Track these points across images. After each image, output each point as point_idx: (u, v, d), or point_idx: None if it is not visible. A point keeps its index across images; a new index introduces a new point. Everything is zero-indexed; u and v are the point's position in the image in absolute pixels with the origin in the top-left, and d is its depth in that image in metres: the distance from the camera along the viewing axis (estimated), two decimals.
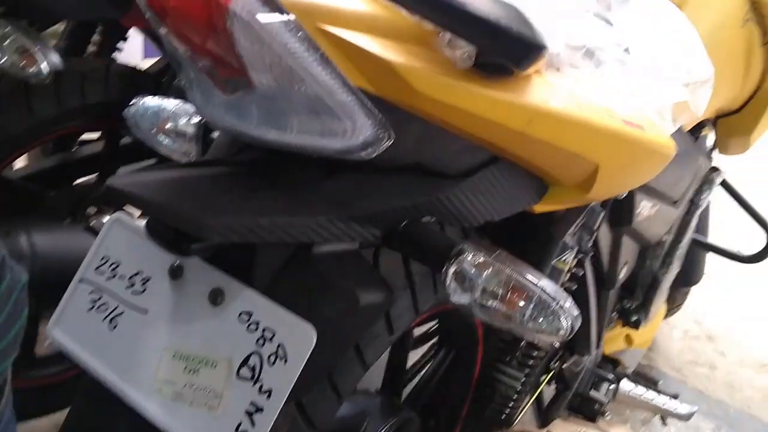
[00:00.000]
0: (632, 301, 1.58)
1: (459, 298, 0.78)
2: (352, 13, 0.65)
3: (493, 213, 0.86)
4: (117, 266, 0.80)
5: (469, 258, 0.77)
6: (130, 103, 0.98)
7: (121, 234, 0.81)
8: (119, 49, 1.65)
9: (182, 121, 0.94)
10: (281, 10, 0.60)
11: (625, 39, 0.83)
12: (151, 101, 0.97)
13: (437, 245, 0.79)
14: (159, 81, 1.58)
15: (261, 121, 0.69)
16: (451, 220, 0.83)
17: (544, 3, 0.76)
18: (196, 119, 0.94)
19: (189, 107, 0.97)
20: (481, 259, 0.77)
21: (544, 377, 1.29)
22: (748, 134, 1.67)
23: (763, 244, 1.84)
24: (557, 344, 1.25)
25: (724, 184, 1.80)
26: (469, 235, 0.91)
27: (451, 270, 0.78)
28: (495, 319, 0.76)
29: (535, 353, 1.20)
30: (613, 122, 0.84)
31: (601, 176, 0.88)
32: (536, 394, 1.32)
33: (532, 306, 0.74)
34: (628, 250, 1.43)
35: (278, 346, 0.71)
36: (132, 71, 1.51)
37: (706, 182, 1.58)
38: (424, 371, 1.31)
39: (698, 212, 1.59)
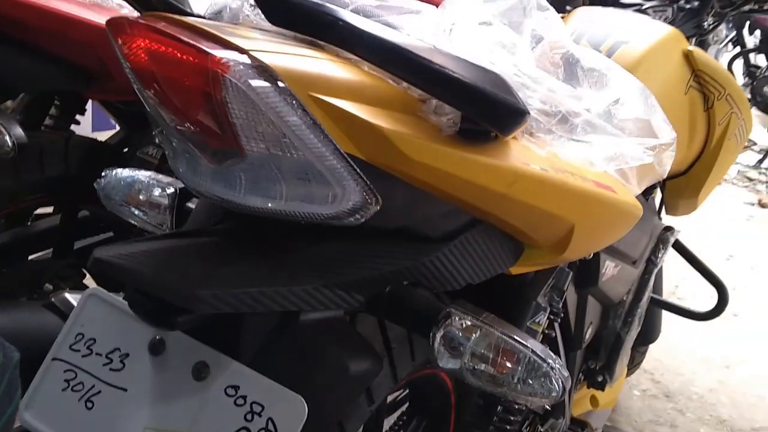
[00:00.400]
0: (596, 361, 1.59)
1: (447, 363, 0.78)
2: (342, 82, 0.66)
3: (473, 276, 0.87)
4: (93, 343, 0.77)
5: (456, 321, 0.77)
6: (102, 175, 0.96)
7: (97, 309, 0.79)
8: (77, 122, 1.63)
9: (156, 192, 0.93)
10: (275, 79, 0.61)
11: (595, 104, 0.86)
12: (123, 173, 0.95)
13: (423, 310, 0.79)
14: (118, 153, 1.56)
15: (249, 189, 0.69)
16: (434, 283, 0.83)
17: (517, 70, 0.79)
18: (170, 190, 0.93)
19: (162, 178, 0.96)
20: (469, 323, 0.77)
21: None
22: (695, 196, 1.73)
23: (716, 302, 1.89)
24: (542, 408, 1.24)
25: (676, 244, 1.86)
26: (444, 300, 0.91)
27: (439, 334, 0.77)
28: (486, 383, 0.75)
29: (512, 418, 1.19)
30: (586, 184, 0.86)
31: (576, 236, 0.90)
32: None
33: (523, 368, 0.74)
34: (593, 310, 1.45)
35: (268, 420, 0.69)
36: (91, 143, 1.49)
37: (661, 241, 1.63)
38: None
39: (656, 271, 1.63)
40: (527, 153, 0.80)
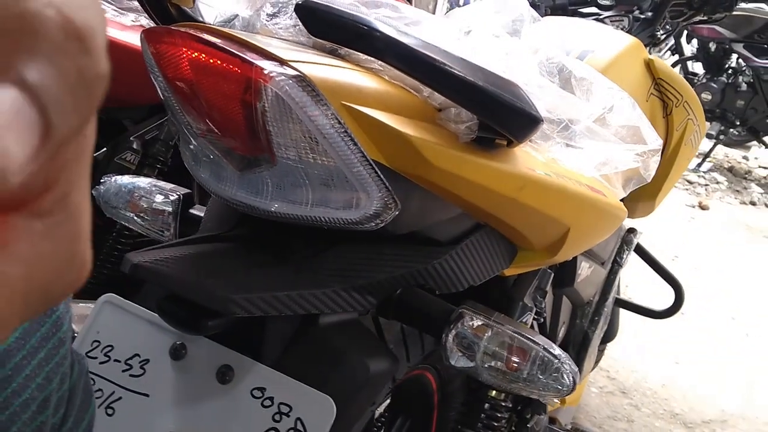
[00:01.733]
0: None
1: (460, 362, 0.80)
2: (370, 91, 0.68)
3: (476, 277, 0.90)
4: (111, 350, 0.77)
5: (468, 321, 0.80)
6: (100, 181, 0.96)
7: (113, 316, 0.78)
8: None
9: (158, 198, 0.93)
10: (314, 89, 0.63)
11: (591, 112, 0.91)
12: (122, 179, 0.95)
13: (435, 311, 0.82)
14: (95, 159, 1.54)
15: (275, 195, 0.70)
16: (440, 285, 0.86)
17: (527, 79, 0.82)
18: (173, 197, 0.93)
19: (163, 185, 0.96)
20: (480, 322, 0.80)
21: None
22: (653, 198, 1.81)
23: (672, 301, 1.98)
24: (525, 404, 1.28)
25: (636, 245, 1.93)
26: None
27: (452, 334, 0.80)
28: (500, 380, 0.78)
29: (499, 415, 1.22)
30: (582, 188, 0.91)
31: (570, 238, 0.94)
32: None
33: (535, 365, 0.77)
34: (565, 310, 1.50)
35: (297, 420, 0.71)
36: None
37: (625, 243, 1.70)
38: None
39: (620, 271, 1.70)
40: (531, 159, 0.84)
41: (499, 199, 0.79)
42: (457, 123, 0.73)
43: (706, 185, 4.87)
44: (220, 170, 0.72)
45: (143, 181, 0.95)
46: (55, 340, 0.47)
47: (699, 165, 5.07)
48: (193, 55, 0.62)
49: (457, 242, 0.86)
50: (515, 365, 0.77)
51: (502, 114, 0.70)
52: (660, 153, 1.01)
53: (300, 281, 0.73)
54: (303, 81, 0.62)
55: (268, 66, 0.61)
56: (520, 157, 0.81)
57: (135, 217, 0.94)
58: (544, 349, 0.77)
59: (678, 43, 4.99)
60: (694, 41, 5.06)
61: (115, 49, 1.30)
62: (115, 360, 0.77)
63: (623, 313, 2.14)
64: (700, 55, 4.99)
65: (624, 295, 3.00)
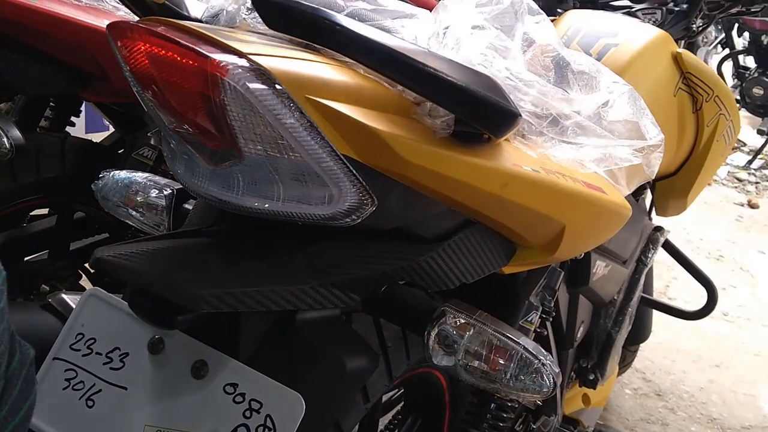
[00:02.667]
0: (588, 360, 1.61)
1: (441, 360, 0.79)
2: (339, 85, 0.68)
3: (466, 275, 0.88)
4: (93, 342, 0.78)
5: (450, 320, 0.78)
6: (99, 176, 0.97)
7: (97, 309, 0.80)
8: (72, 123, 1.64)
9: (153, 193, 0.94)
10: (273, 82, 0.62)
11: (585, 107, 0.88)
12: (120, 174, 0.97)
13: (418, 309, 0.81)
14: (113, 154, 1.57)
15: (246, 190, 0.70)
16: (428, 283, 0.84)
17: (509, 73, 0.80)
18: (167, 191, 0.94)
19: (159, 179, 0.97)
20: (463, 321, 0.78)
21: None
22: (685, 196, 1.75)
23: (705, 301, 1.91)
24: (534, 404, 1.26)
25: (666, 244, 1.88)
26: (437, 299, 0.93)
27: (434, 332, 0.79)
28: (479, 379, 0.77)
29: (505, 415, 1.20)
30: (577, 185, 0.88)
31: (566, 236, 0.92)
32: None
33: (515, 365, 0.75)
34: (584, 309, 1.47)
35: (266, 417, 0.70)
36: (87, 145, 1.50)
37: (651, 241, 1.65)
38: None
39: (645, 270, 1.65)
40: (519, 155, 0.82)
41: (482, 195, 0.77)
42: (433, 118, 0.72)
43: (757, 183, 4.70)
44: (194, 165, 0.72)
45: (140, 176, 0.97)
46: None
47: (749, 162, 4.89)
48: (151, 49, 0.62)
49: (445, 239, 0.84)
50: (495, 365, 0.76)
51: (476, 109, 0.69)
52: (662, 148, 0.97)
53: (275, 277, 0.73)
54: (263, 74, 0.62)
55: (224, 58, 0.60)
56: (505, 153, 0.79)
57: (131, 212, 0.96)
58: (525, 349, 0.75)
59: (729, 37, 4.83)
60: (746, 34, 4.88)
61: None
62: (97, 353, 0.78)
63: (663, 315, 2.08)
64: (752, 49, 4.80)
65: (664, 297, 2.94)
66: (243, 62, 0.61)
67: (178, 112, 0.66)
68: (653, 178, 1.01)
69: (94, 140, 1.69)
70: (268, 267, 0.74)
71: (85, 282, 1.71)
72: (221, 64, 0.60)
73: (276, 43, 0.71)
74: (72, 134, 1.63)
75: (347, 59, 0.71)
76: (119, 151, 1.62)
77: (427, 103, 0.72)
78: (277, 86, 0.62)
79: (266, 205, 0.70)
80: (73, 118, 1.67)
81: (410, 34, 0.76)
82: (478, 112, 0.69)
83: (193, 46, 0.60)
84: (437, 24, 0.79)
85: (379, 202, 0.72)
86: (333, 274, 0.76)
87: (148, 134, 1.45)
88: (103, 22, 1.28)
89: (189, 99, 0.63)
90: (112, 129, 1.73)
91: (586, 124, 0.86)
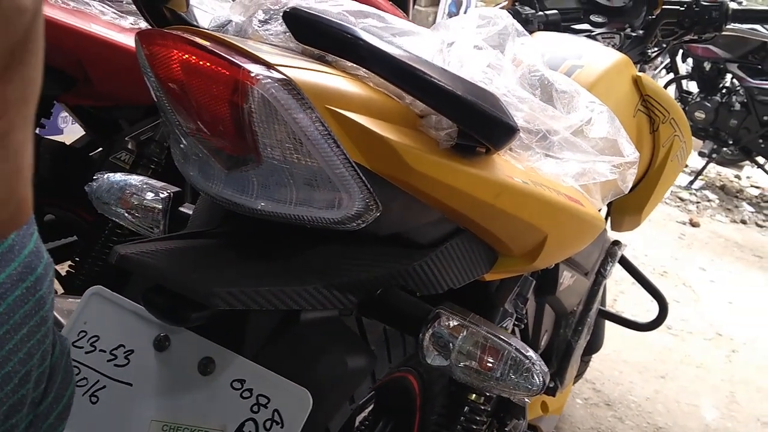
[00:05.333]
0: (549, 368, 1.67)
1: (435, 360, 0.83)
2: (354, 96, 0.72)
3: (455, 280, 0.93)
4: (97, 340, 0.79)
5: (444, 321, 0.83)
6: (93, 178, 0.99)
7: (100, 307, 0.81)
8: (42, 126, 1.62)
9: (149, 196, 0.96)
10: (299, 92, 0.66)
11: (570, 124, 0.94)
12: (115, 177, 0.98)
13: (414, 311, 0.85)
14: (86, 157, 1.57)
15: (260, 193, 0.73)
16: (420, 287, 0.88)
17: (506, 90, 0.86)
18: (164, 195, 0.96)
19: (154, 183, 0.99)
20: (456, 323, 0.83)
21: None
22: (640, 212, 1.83)
23: (657, 313, 2.00)
24: (504, 409, 1.31)
25: (621, 258, 1.96)
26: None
27: (428, 333, 0.83)
28: (473, 378, 0.81)
29: (477, 418, 1.25)
30: (560, 197, 0.94)
31: (547, 246, 0.97)
32: None
33: (506, 364, 0.80)
34: (548, 318, 1.53)
35: (274, 411, 0.73)
36: (61, 147, 1.49)
37: (609, 255, 1.73)
38: None
39: (604, 283, 1.72)
40: (510, 167, 0.87)
41: (477, 204, 0.82)
42: (438, 130, 0.76)
43: (698, 203, 4.91)
44: (208, 168, 0.75)
45: (135, 179, 0.98)
46: (37, 318, 0.50)
47: (691, 183, 5.11)
48: (184, 57, 0.65)
49: (437, 245, 0.88)
50: (488, 364, 0.80)
51: (480, 122, 0.73)
52: (636, 165, 1.04)
53: (283, 278, 0.76)
54: (289, 84, 0.65)
55: (255, 69, 0.64)
56: (499, 165, 0.84)
57: (126, 214, 0.97)
58: (516, 349, 0.80)
59: (673, 62, 5.05)
60: (690, 60, 5.11)
61: (114, 50, 1.33)
62: (101, 350, 0.79)
63: (611, 326, 2.17)
64: (695, 74, 5.04)
65: (612, 309, 3.04)
66: (273, 73, 0.65)
67: (202, 118, 0.68)
68: (626, 192, 1.08)
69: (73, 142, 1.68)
70: (277, 267, 0.77)
71: (55, 285, 1.69)
72: (252, 74, 0.63)
73: (291, 55, 0.74)
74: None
75: (359, 72, 0.75)
76: (90, 154, 1.61)
77: (432, 116, 0.76)
78: (302, 96, 0.66)
79: (277, 208, 0.73)
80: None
81: (418, 51, 0.81)
82: (481, 125, 0.74)
83: (227, 56, 0.64)
84: (441, 42, 0.84)
85: (382, 208, 0.76)
86: (336, 276, 0.79)
87: (125, 138, 1.45)
88: (89, 26, 1.29)
89: (216, 105, 0.66)
90: (66, 133, 1.72)
91: (572, 139, 0.91)
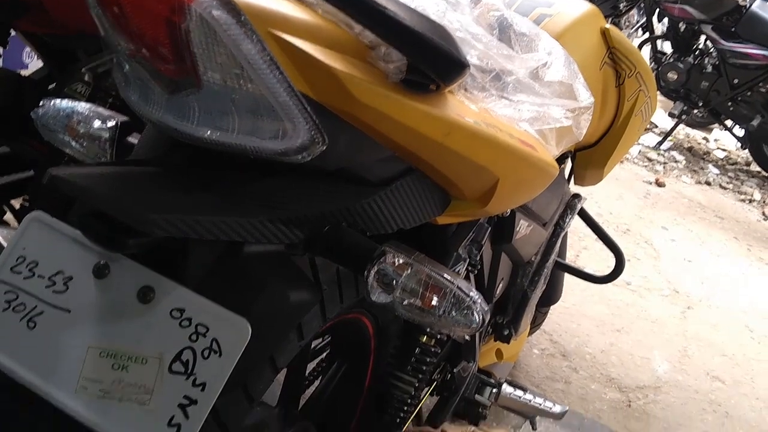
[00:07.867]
0: (504, 316, 1.69)
1: (380, 297, 0.83)
2: (300, 22, 0.70)
3: (405, 221, 0.93)
4: (35, 266, 0.78)
5: (390, 259, 0.83)
6: (39, 105, 0.96)
7: (40, 233, 0.79)
8: None
9: (96, 124, 0.94)
10: (239, 13, 0.64)
11: (525, 65, 0.93)
12: (62, 103, 0.95)
13: (360, 248, 0.84)
14: (43, 89, 1.53)
15: (202, 120, 0.72)
16: (369, 226, 0.88)
17: (460, 26, 0.84)
18: (110, 123, 0.94)
19: (102, 111, 0.96)
20: (402, 260, 0.83)
21: (434, 383, 1.36)
22: (602, 167, 1.84)
23: (613, 266, 2.03)
24: (455, 351, 1.32)
25: (581, 212, 1.98)
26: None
27: (374, 271, 0.83)
28: (415, 314, 0.81)
29: (428, 359, 1.26)
30: (513, 141, 0.93)
31: (499, 190, 0.97)
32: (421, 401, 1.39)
33: (448, 302, 0.81)
34: (504, 267, 1.55)
35: (212, 340, 0.73)
36: (17, 78, 1.45)
37: (569, 207, 1.74)
38: (318, 382, 1.34)
39: (562, 235, 1.74)
40: (462, 107, 0.86)
41: (425, 141, 0.81)
42: (387, 62, 0.75)
43: (665, 163, 4.96)
44: (149, 93, 0.73)
45: (82, 106, 0.96)
46: None
47: (660, 143, 5.15)
48: None
49: (387, 184, 0.88)
50: (429, 302, 0.81)
51: (428, 55, 0.72)
52: (591, 111, 1.04)
53: (226, 208, 0.75)
54: (228, 4, 0.63)
55: None
56: (450, 104, 0.83)
57: (72, 142, 0.95)
58: (459, 288, 0.81)
59: (649, 22, 5.02)
60: (666, 20, 5.10)
61: None
62: (39, 276, 0.78)
63: (570, 282, 2.20)
64: (670, 35, 5.03)
65: (576, 263, 3.09)
66: None
67: (139, 37, 0.66)
68: (581, 139, 1.08)
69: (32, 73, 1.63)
70: (220, 198, 0.76)
71: (9, 218, 1.66)
72: None
73: None
74: None
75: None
76: (49, 87, 1.57)
77: (381, 47, 0.75)
78: (242, 17, 0.64)
79: (220, 136, 0.72)
80: None
81: None
82: (430, 58, 0.73)
83: None
84: None
85: (329, 142, 0.75)
86: (282, 210, 0.78)
87: (82, 70, 1.41)
88: None
89: (154, 23, 0.64)
90: (32, 68, 1.66)
91: (525, 81, 0.91)
